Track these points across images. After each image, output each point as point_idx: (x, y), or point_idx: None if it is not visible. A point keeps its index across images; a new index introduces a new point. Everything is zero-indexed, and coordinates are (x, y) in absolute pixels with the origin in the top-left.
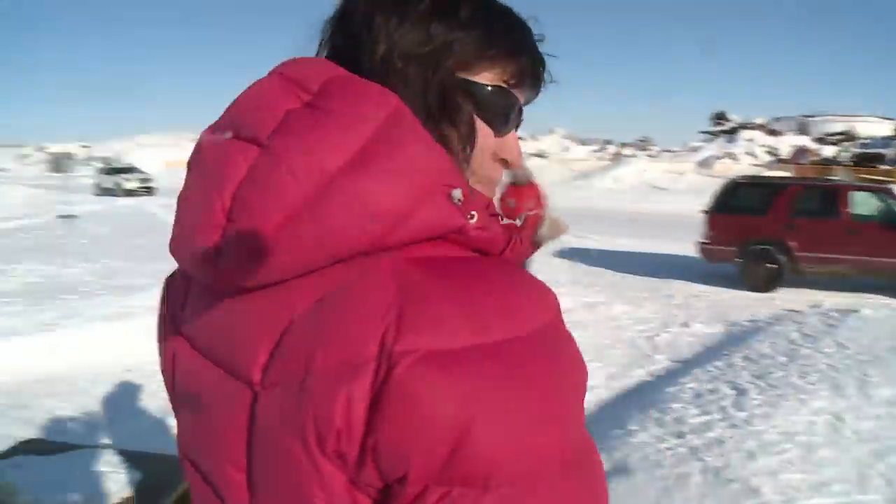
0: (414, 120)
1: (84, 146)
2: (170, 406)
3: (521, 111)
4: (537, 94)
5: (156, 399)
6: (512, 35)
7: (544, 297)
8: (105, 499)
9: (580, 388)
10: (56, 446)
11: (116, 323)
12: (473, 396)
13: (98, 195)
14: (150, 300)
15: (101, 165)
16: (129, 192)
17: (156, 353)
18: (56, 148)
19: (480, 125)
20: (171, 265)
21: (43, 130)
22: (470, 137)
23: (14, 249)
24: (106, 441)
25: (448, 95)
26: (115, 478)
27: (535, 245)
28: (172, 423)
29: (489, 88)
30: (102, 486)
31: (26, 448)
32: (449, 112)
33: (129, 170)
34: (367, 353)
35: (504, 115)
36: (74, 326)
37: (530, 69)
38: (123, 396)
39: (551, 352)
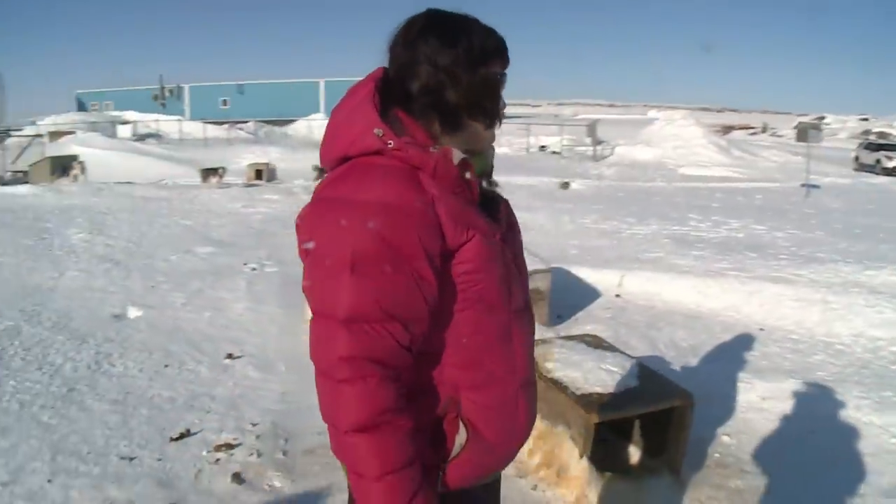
0: (369, 102)
1: (863, 119)
2: None
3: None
4: None
5: None
6: (497, 38)
7: (380, 186)
8: None
9: (380, 252)
10: None
11: None
12: (311, 215)
13: (856, 170)
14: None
15: (866, 140)
16: (889, 172)
17: None
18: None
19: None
20: None
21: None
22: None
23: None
24: None
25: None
26: None
27: None
28: None
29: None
30: None
31: None
32: None
33: (893, 146)
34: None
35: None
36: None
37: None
38: None
39: (349, 214)
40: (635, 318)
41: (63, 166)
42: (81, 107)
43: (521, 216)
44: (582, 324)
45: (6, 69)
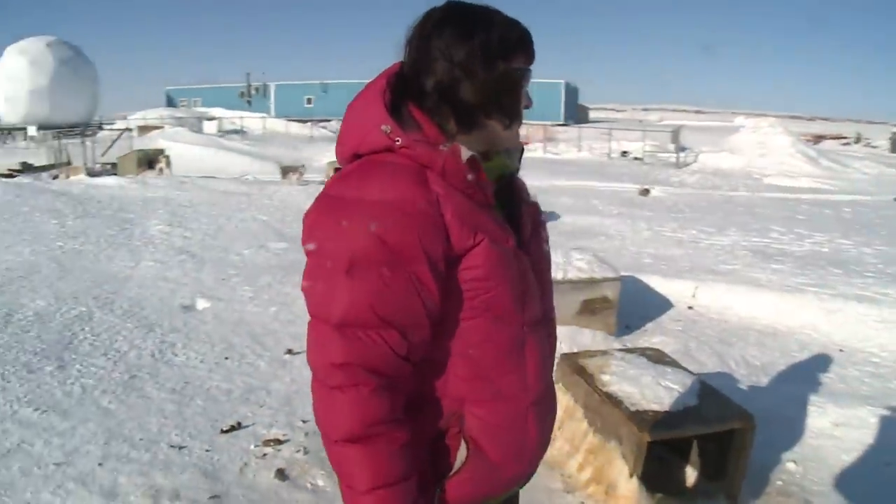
0: (379, 98)
1: None
2: None
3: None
4: None
5: None
6: (518, 31)
7: (386, 185)
8: None
9: (376, 256)
10: None
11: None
12: (314, 213)
13: None
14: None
15: None
16: None
17: None
18: None
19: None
20: None
21: None
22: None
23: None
24: None
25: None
26: None
27: None
28: None
29: (518, 69)
30: None
31: None
32: None
33: None
34: None
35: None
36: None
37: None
38: None
39: (349, 214)
40: (706, 332)
41: (149, 160)
42: (171, 103)
43: (597, 222)
44: (651, 335)
45: (101, 65)
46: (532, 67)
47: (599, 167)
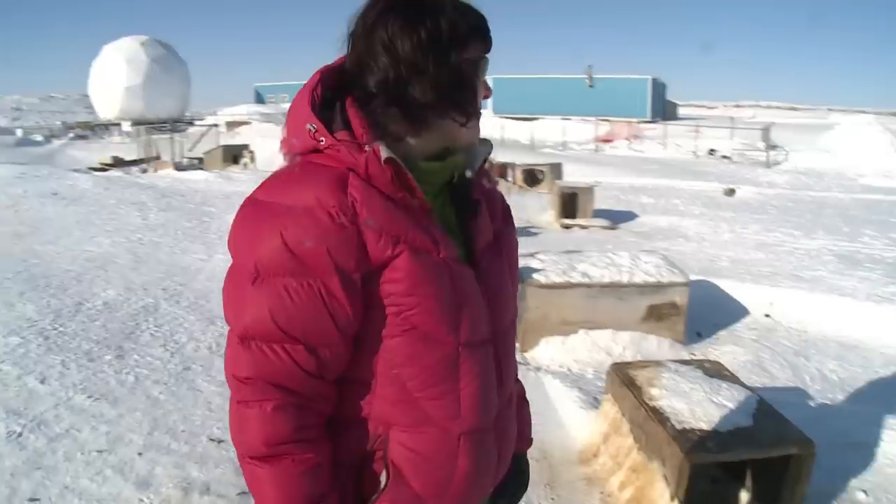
0: (310, 91)
1: None
2: None
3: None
4: None
5: None
6: (475, 20)
7: (300, 188)
8: None
9: (283, 264)
10: None
11: None
12: (235, 218)
13: None
14: None
15: None
16: None
17: None
18: None
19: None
20: None
21: None
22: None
23: None
24: None
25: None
26: None
27: None
28: None
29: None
30: None
31: None
32: None
33: None
34: None
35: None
36: None
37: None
38: None
39: (263, 219)
40: (782, 343)
41: (234, 155)
42: (259, 99)
43: (676, 222)
44: (722, 344)
45: (193, 63)
46: (489, 56)
47: (684, 165)
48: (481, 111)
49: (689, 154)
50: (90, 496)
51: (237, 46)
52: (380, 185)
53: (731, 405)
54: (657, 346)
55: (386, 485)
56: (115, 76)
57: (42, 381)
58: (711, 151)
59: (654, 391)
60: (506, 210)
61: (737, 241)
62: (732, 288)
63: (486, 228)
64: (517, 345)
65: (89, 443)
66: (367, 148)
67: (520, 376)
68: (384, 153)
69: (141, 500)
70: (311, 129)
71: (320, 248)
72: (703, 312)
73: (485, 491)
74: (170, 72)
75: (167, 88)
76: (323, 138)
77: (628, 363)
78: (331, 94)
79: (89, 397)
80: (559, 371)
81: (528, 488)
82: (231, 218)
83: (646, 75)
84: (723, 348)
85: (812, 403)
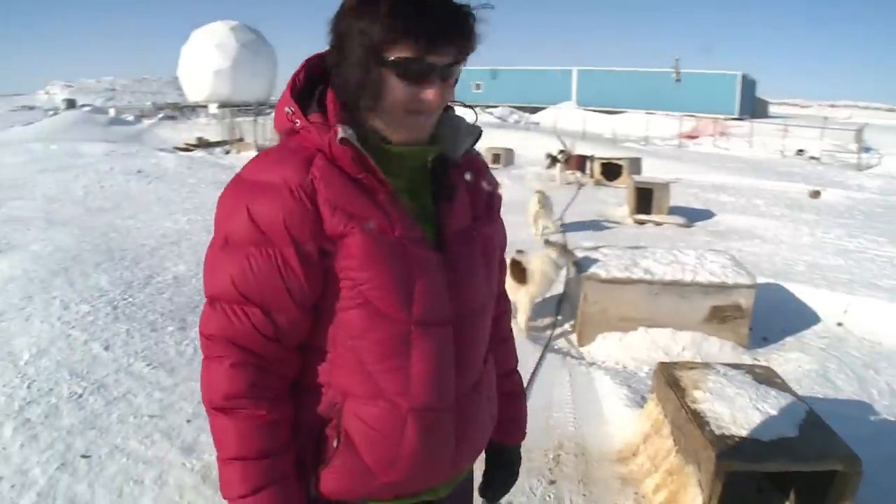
0: (294, 76)
1: None
2: None
3: (437, 69)
4: (465, 48)
5: None
6: (414, 19)
7: (272, 167)
8: None
9: (247, 234)
10: None
11: None
12: (223, 192)
13: None
14: None
15: None
16: None
17: None
18: None
19: (393, 85)
20: None
21: None
22: (376, 96)
23: None
24: None
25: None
26: None
27: None
28: None
29: (394, 60)
30: None
31: None
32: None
33: None
34: None
35: (412, 77)
36: None
37: (435, 39)
38: None
39: (237, 193)
40: (852, 354)
41: None
42: None
43: (755, 223)
44: (787, 350)
45: (281, 48)
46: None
47: (770, 165)
48: (462, 103)
49: (776, 153)
50: (137, 457)
51: (324, 33)
52: (343, 165)
53: (777, 413)
54: (718, 348)
55: (335, 451)
56: (204, 60)
57: (106, 348)
58: (800, 152)
59: (697, 393)
60: (493, 204)
61: (816, 245)
62: (805, 293)
63: (460, 214)
64: (573, 339)
65: (143, 407)
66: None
67: (571, 371)
68: (340, 133)
69: (184, 465)
70: (289, 111)
71: (278, 220)
72: (771, 317)
73: (441, 471)
74: (258, 56)
75: (254, 72)
76: (298, 120)
77: (675, 363)
78: (319, 80)
79: (148, 365)
80: (612, 367)
81: (562, 482)
82: None
83: (735, 71)
84: (787, 355)
85: (875, 419)
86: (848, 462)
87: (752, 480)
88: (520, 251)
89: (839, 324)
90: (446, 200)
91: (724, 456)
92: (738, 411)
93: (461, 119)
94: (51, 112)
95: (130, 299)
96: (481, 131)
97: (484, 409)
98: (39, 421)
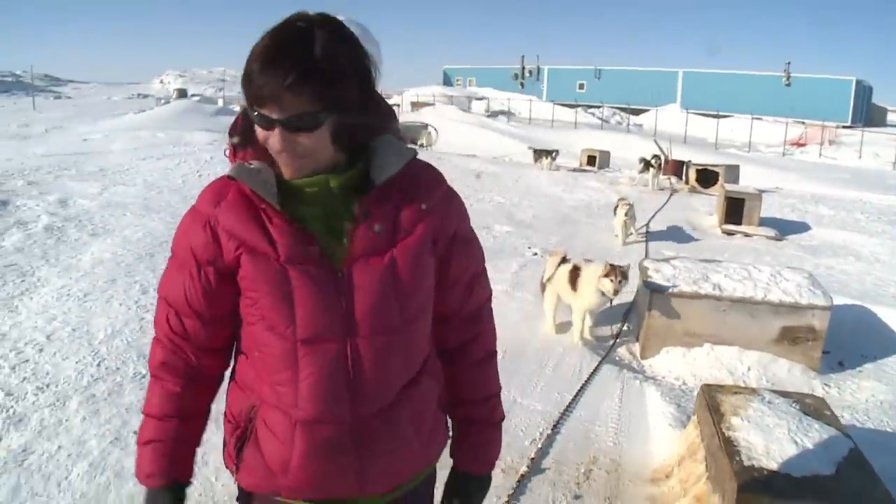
0: (238, 118)
1: None
2: None
3: (265, 119)
4: (315, 99)
5: None
6: (247, 82)
7: (202, 196)
8: None
9: (176, 252)
10: None
11: None
12: None
13: None
14: None
15: None
16: None
17: None
18: None
19: (257, 131)
20: None
21: None
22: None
23: None
24: None
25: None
26: None
27: None
28: None
29: (253, 111)
30: None
31: None
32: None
33: None
34: None
35: (261, 125)
36: None
37: (258, 98)
38: None
39: (185, 215)
40: None
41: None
42: (447, 81)
43: (852, 239)
44: (863, 378)
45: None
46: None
47: (879, 177)
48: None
49: (888, 165)
50: None
51: (429, 30)
52: (250, 196)
53: (815, 448)
54: (787, 370)
55: (245, 447)
56: None
57: None
58: None
59: (734, 420)
60: (430, 224)
61: None
62: (893, 318)
63: (365, 237)
64: (637, 350)
65: None
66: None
67: (624, 384)
68: (228, 171)
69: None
70: (233, 141)
71: (186, 243)
72: (851, 340)
73: (342, 486)
74: None
75: None
76: (228, 152)
77: (721, 386)
78: None
79: None
80: (667, 384)
81: (587, 498)
82: None
83: (850, 76)
84: (862, 383)
85: None
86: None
87: None
88: (587, 260)
89: None
90: (354, 223)
91: (748, 489)
92: (774, 443)
93: (395, 143)
94: (162, 101)
95: None
96: (415, 153)
97: (403, 434)
98: (103, 397)
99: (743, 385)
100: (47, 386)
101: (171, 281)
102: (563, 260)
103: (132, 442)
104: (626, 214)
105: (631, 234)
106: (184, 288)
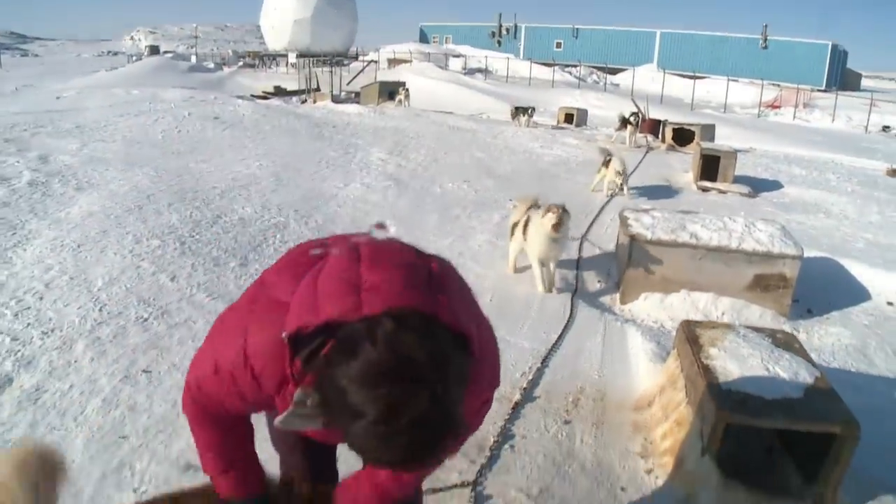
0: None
1: None
2: None
3: None
4: None
5: None
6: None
7: None
8: None
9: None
10: None
11: None
12: None
13: None
14: None
15: None
16: None
17: None
18: None
19: None
20: None
21: None
22: None
23: None
24: None
25: None
26: None
27: None
28: None
29: None
30: None
31: None
32: None
33: None
34: None
35: None
36: None
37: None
38: None
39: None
40: None
41: (390, 91)
42: (424, 38)
43: (823, 198)
44: (829, 324)
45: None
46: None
47: (851, 140)
48: None
49: (860, 128)
50: None
51: None
52: None
53: (786, 376)
54: (759, 316)
55: None
56: (285, 9)
57: (172, 279)
58: (885, 128)
59: (712, 350)
60: None
61: (883, 224)
62: (859, 270)
63: None
64: (617, 297)
65: (200, 332)
66: None
67: (606, 325)
68: None
69: None
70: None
71: None
72: (819, 290)
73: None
74: (338, 7)
75: (334, 23)
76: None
77: (699, 322)
78: None
79: (209, 296)
80: (646, 325)
81: (577, 423)
82: (374, 151)
83: (825, 41)
84: (829, 329)
85: None
86: (846, 426)
87: (762, 441)
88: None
89: (890, 303)
90: None
91: (724, 409)
92: (748, 370)
93: None
94: (134, 58)
95: (198, 236)
96: None
97: None
98: (108, 340)
99: None
100: (52, 331)
101: None
102: (535, 206)
103: (142, 380)
104: (619, 171)
105: (623, 191)
106: None
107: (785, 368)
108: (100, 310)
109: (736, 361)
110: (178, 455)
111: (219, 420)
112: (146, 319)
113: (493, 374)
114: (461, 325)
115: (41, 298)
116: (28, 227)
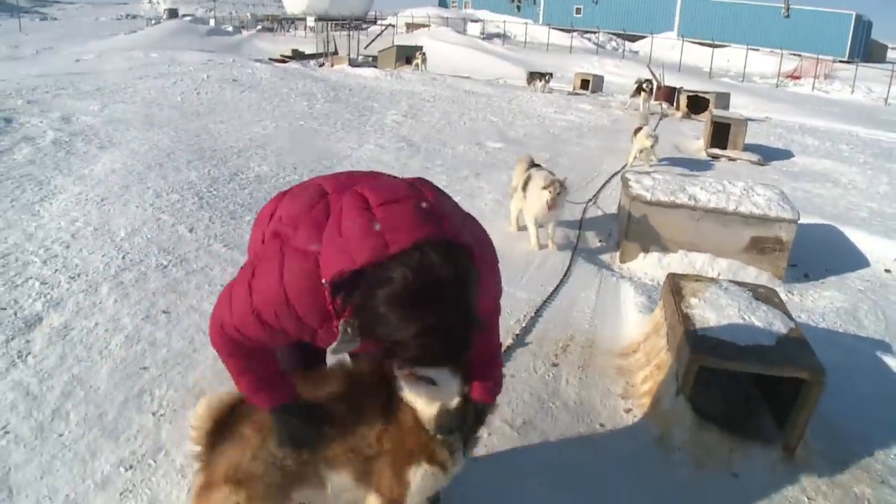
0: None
1: None
2: None
3: None
4: None
5: None
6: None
7: None
8: None
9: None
10: None
11: None
12: None
13: None
14: None
15: None
16: None
17: None
18: None
19: None
20: None
21: None
22: None
23: None
24: None
25: None
26: None
27: None
28: None
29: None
30: None
31: None
32: None
33: None
34: None
35: None
36: None
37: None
38: None
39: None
40: (891, 299)
41: (407, 55)
42: (442, 3)
43: (833, 168)
44: (824, 288)
45: None
46: None
47: (869, 112)
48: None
49: (880, 101)
50: (208, 315)
51: None
52: None
53: (761, 325)
54: (754, 277)
55: None
56: None
57: (190, 230)
58: None
59: (693, 300)
60: None
61: (890, 195)
62: (859, 238)
63: None
64: (617, 256)
65: (217, 279)
66: None
67: (602, 280)
68: None
69: None
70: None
71: None
72: (818, 255)
73: None
74: None
75: None
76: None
77: (685, 275)
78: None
79: (225, 246)
80: (643, 282)
81: (564, 366)
82: (390, 113)
83: (850, 10)
84: (824, 292)
85: (889, 360)
86: (813, 373)
87: (740, 387)
88: (537, 167)
89: (887, 270)
90: None
91: (698, 352)
92: (725, 319)
93: None
94: (153, 21)
95: (215, 192)
96: None
97: None
98: (130, 284)
99: None
100: (78, 276)
101: None
102: (532, 165)
103: (161, 319)
104: (650, 143)
105: (653, 161)
106: None
107: (760, 319)
108: (123, 257)
109: (714, 311)
110: (194, 384)
111: (252, 351)
112: (166, 266)
113: (494, 272)
114: (464, 241)
115: (68, 247)
116: (54, 183)
